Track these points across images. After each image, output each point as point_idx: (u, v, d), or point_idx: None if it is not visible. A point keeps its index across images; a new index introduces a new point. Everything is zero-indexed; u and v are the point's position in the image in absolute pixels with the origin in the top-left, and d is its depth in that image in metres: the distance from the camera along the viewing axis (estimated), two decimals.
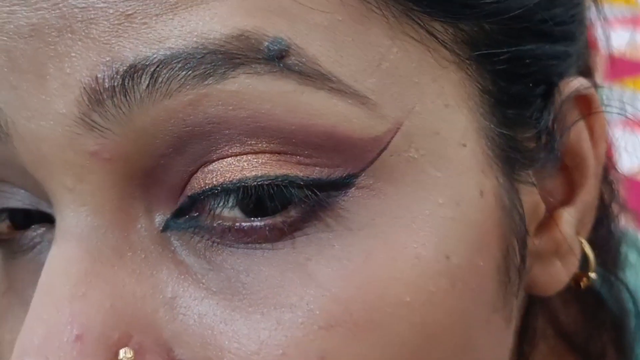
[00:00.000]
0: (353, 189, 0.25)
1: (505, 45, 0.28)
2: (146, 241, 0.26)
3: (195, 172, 0.25)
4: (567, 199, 0.32)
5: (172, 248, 0.26)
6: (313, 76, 0.24)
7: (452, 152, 0.27)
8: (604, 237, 0.38)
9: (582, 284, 0.33)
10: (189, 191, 0.25)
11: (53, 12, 0.24)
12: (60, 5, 0.24)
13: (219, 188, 0.25)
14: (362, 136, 0.25)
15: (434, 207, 0.26)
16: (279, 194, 0.25)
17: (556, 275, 0.31)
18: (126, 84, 0.24)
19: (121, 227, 0.25)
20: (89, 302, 0.24)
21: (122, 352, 0.24)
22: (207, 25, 0.24)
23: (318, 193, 0.25)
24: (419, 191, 0.26)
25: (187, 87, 0.24)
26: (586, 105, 0.32)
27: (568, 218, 0.31)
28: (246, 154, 0.24)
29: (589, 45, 0.36)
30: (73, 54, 0.24)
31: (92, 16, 0.24)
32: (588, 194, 0.32)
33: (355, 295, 0.25)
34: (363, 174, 0.25)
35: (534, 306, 0.35)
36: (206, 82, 0.24)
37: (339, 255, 0.25)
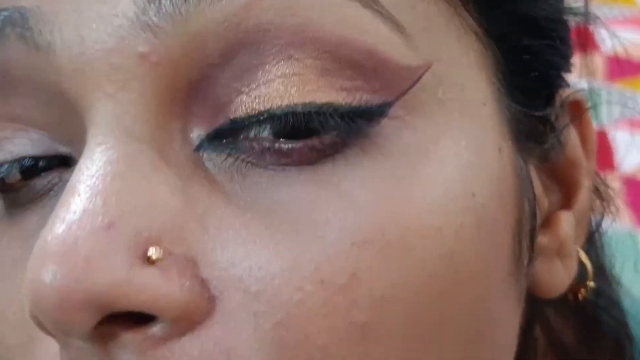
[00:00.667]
0: (386, 118, 0.25)
1: (518, 36, 0.29)
2: (180, 158, 0.25)
3: (241, 93, 0.25)
4: (564, 205, 0.32)
5: (205, 167, 0.25)
6: None
7: (474, 108, 0.27)
8: (595, 251, 0.37)
9: (580, 296, 0.33)
10: (231, 113, 0.25)
11: None
12: None
13: (265, 114, 0.24)
14: (398, 62, 0.25)
15: (459, 148, 0.26)
16: (319, 121, 0.24)
17: (558, 275, 0.31)
18: None
19: (157, 141, 0.25)
20: (123, 198, 0.24)
21: (151, 250, 0.24)
22: None
23: (356, 121, 0.25)
24: (446, 131, 0.26)
25: None
26: (578, 114, 0.32)
27: (568, 221, 0.31)
28: (292, 75, 0.24)
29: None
30: None
31: None
32: (583, 201, 0.31)
33: (389, 216, 0.25)
34: (396, 104, 0.25)
35: (533, 322, 0.34)
36: None
37: (373, 177, 0.25)
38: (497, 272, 0.27)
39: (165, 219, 0.24)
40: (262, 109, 0.24)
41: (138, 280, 0.23)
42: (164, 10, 0.24)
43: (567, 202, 0.31)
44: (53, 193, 0.27)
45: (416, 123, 0.26)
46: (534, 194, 0.29)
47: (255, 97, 0.24)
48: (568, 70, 0.32)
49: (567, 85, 0.32)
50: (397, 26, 0.25)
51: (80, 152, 0.25)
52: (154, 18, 0.24)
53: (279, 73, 0.24)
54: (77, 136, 0.25)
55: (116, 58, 0.24)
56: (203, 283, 0.24)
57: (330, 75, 0.25)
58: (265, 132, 0.25)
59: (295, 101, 0.24)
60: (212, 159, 0.25)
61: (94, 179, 0.24)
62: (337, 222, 0.24)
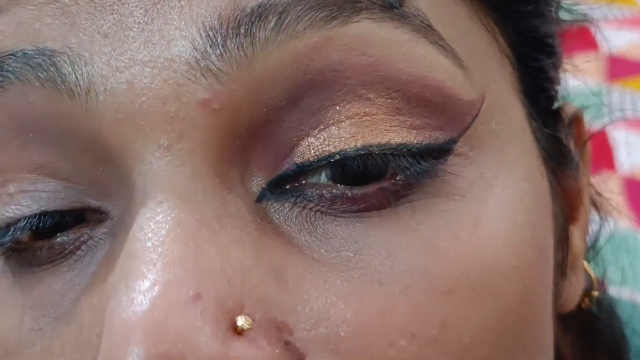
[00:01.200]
0: (452, 156, 0.24)
1: (535, 58, 0.29)
2: (242, 210, 0.23)
3: (308, 135, 0.23)
4: (570, 219, 0.32)
5: (269, 219, 0.24)
6: (425, 29, 0.24)
7: (519, 134, 0.27)
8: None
9: (583, 305, 0.33)
10: (298, 157, 0.23)
11: None
12: None
13: (336, 156, 0.23)
14: (463, 97, 0.25)
15: (516, 179, 0.26)
16: (388, 162, 0.24)
17: (573, 289, 0.31)
18: (253, 22, 0.22)
19: (218, 194, 0.23)
20: (201, 264, 0.22)
21: (240, 320, 0.22)
22: None
23: (424, 161, 0.24)
24: (503, 162, 0.26)
25: (313, 29, 0.22)
26: (578, 132, 0.32)
27: (578, 235, 0.31)
28: (364, 115, 0.23)
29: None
30: (192, 2, 0.22)
31: None
32: (585, 215, 0.32)
33: (471, 259, 0.24)
34: (461, 140, 0.25)
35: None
36: (331, 25, 0.23)
37: (449, 220, 0.24)
38: (549, 299, 0.27)
39: (244, 281, 0.22)
40: (333, 150, 0.23)
41: (233, 354, 0.21)
42: (228, 54, 0.22)
43: (572, 216, 0.31)
44: (81, 253, 0.25)
45: (478, 158, 0.25)
46: (564, 213, 0.29)
47: (325, 139, 0.23)
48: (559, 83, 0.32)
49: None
50: (459, 60, 0.25)
51: (118, 206, 0.23)
52: (216, 63, 0.22)
53: (350, 113, 0.23)
54: (112, 188, 0.24)
55: (173, 106, 0.22)
56: (288, 346, 0.22)
57: (402, 114, 0.24)
58: (329, 178, 0.24)
59: (371, 142, 0.23)
60: (276, 210, 0.24)
61: (165, 245, 0.22)
62: (421, 270, 0.23)
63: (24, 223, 0.24)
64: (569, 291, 0.30)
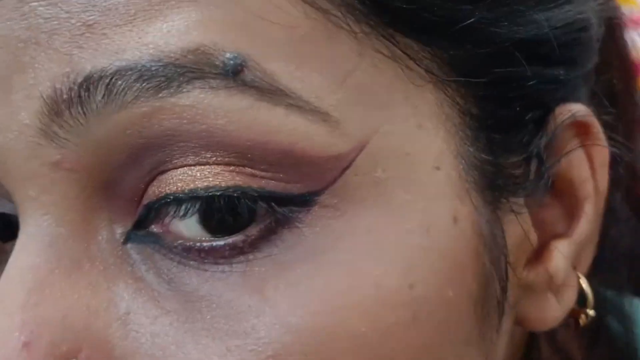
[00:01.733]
0: (316, 207, 0.24)
1: (490, 68, 0.27)
2: (106, 253, 0.25)
3: (152, 181, 0.25)
4: (567, 231, 0.30)
5: (132, 262, 0.25)
6: (270, 92, 0.24)
7: (424, 175, 0.26)
8: (616, 258, 0.36)
9: (580, 321, 0.32)
10: (145, 200, 0.25)
11: (21, 23, 0.24)
12: (28, 16, 0.24)
13: (170, 197, 0.24)
14: (323, 154, 0.24)
15: (401, 233, 0.25)
16: (239, 210, 0.24)
17: (549, 310, 0.30)
18: (82, 95, 0.24)
19: (82, 238, 0.25)
20: (41, 311, 0.24)
21: None
22: (164, 38, 0.23)
23: (276, 208, 0.24)
24: (385, 215, 0.25)
25: (142, 99, 0.23)
26: (585, 133, 0.30)
27: (563, 251, 0.29)
28: (200, 164, 0.24)
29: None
30: (37, 65, 0.24)
31: (56, 27, 0.24)
32: (585, 226, 0.30)
33: (308, 324, 0.24)
34: (326, 193, 0.24)
35: (538, 337, 0.33)
36: (160, 95, 0.23)
37: (297, 281, 0.24)
38: (447, 349, 0.26)
39: (86, 325, 0.25)
40: (167, 191, 0.24)
41: None
42: (66, 123, 0.24)
43: (567, 226, 0.29)
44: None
45: (351, 211, 0.25)
46: (505, 244, 0.27)
47: (162, 181, 0.25)
48: (571, 86, 0.30)
49: (571, 101, 0.30)
50: (320, 115, 0.24)
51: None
52: (59, 131, 0.24)
53: (187, 163, 0.24)
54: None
55: (33, 165, 0.25)
56: None
57: (240, 166, 0.24)
58: (182, 220, 0.25)
59: (198, 185, 0.24)
60: (140, 252, 0.25)
61: (14, 292, 0.24)
62: (254, 333, 0.24)
63: None
64: (541, 312, 0.29)
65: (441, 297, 0.26)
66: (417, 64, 0.26)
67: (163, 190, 0.25)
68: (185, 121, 0.24)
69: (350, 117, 0.25)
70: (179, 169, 0.24)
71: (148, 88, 0.23)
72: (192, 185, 0.24)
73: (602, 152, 0.30)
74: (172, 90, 0.23)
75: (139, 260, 0.25)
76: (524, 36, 0.27)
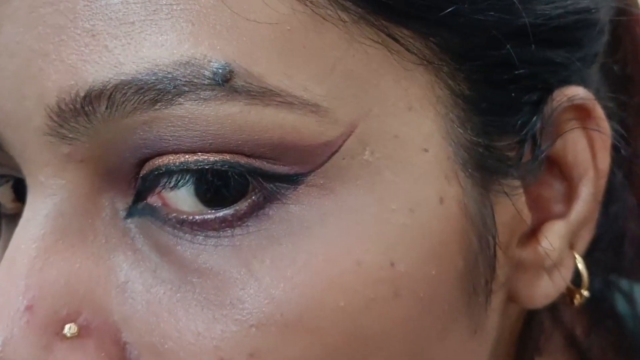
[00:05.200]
0: (303, 185, 0.26)
1: (484, 51, 0.27)
2: (109, 228, 0.27)
3: (148, 160, 0.27)
4: (566, 211, 0.30)
5: (132, 235, 0.27)
6: (260, 94, 0.25)
7: (412, 156, 0.26)
8: (619, 241, 0.36)
9: (575, 301, 0.32)
10: (141, 173, 0.27)
11: (32, 32, 0.26)
12: (37, 24, 0.26)
13: (162, 169, 0.26)
14: (312, 142, 0.25)
15: (385, 212, 0.26)
16: (231, 184, 0.26)
17: (541, 288, 0.30)
18: (85, 107, 0.25)
19: (88, 215, 0.27)
20: (44, 276, 0.26)
21: (66, 327, 0.26)
22: (158, 52, 0.25)
23: (264, 183, 0.25)
24: (370, 194, 0.26)
25: (140, 110, 0.25)
26: (585, 116, 0.30)
27: (559, 231, 0.30)
28: (198, 150, 0.26)
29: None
30: (44, 76, 0.26)
31: (63, 37, 0.26)
32: (583, 207, 0.30)
33: (290, 296, 0.25)
34: (313, 174, 0.26)
35: (540, 315, 0.34)
36: (156, 107, 0.25)
37: (283, 255, 0.26)
38: (430, 326, 0.27)
39: (87, 291, 0.26)
40: (160, 164, 0.26)
41: (52, 358, 0.25)
42: (75, 128, 0.26)
43: (564, 206, 0.30)
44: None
45: (338, 190, 0.26)
46: (494, 224, 0.28)
47: (157, 158, 0.26)
48: (573, 69, 0.30)
49: (572, 84, 0.30)
50: (309, 107, 0.25)
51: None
52: (69, 134, 0.26)
53: (185, 150, 0.26)
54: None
55: (47, 156, 0.26)
56: (125, 347, 0.26)
57: (232, 152, 0.26)
58: (174, 191, 0.26)
59: (188, 159, 0.25)
60: (139, 226, 0.27)
61: (20, 258, 0.26)
62: (239, 303, 0.25)
63: None
64: (533, 289, 0.30)
65: (424, 275, 0.26)
66: (406, 49, 0.26)
67: (156, 163, 0.26)
68: (180, 129, 0.25)
69: (340, 104, 0.25)
70: (172, 154, 0.26)
71: (145, 101, 0.25)
72: (182, 159, 0.26)
73: (604, 136, 0.30)
74: (165, 103, 0.25)
75: (138, 233, 0.27)
76: (517, 22, 0.27)
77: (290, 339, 0.25)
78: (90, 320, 0.26)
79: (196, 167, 0.25)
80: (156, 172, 0.26)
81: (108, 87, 0.25)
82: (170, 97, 0.25)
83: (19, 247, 0.26)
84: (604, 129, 0.30)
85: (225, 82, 0.25)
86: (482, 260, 0.28)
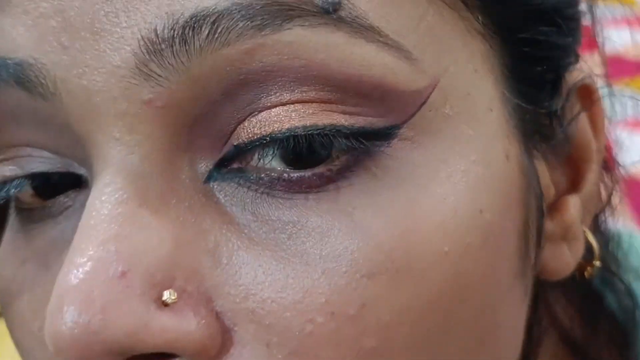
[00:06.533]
0: (396, 139, 0.26)
1: (525, 28, 0.29)
2: (190, 190, 0.26)
3: (243, 120, 0.26)
4: (572, 188, 0.32)
5: (215, 199, 0.26)
6: (363, 29, 0.25)
7: (482, 115, 0.28)
8: (604, 235, 0.38)
9: (586, 274, 0.33)
10: (234, 140, 0.26)
11: None
12: None
13: (267, 138, 0.25)
14: (406, 89, 0.26)
15: (468, 163, 0.27)
16: (325, 144, 0.25)
17: (564, 258, 0.32)
18: (186, 33, 0.24)
19: (166, 176, 0.26)
20: (135, 241, 0.25)
21: (166, 293, 0.25)
22: None
23: (363, 141, 0.25)
24: (454, 146, 0.27)
25: (245, 36, 0.24)
26: (587, 96, 0.32)
27: (576, 204, 0.32)
28: (294, 102, 0.25)
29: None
30: (130, 9, 0.25)
31: None
32: (591, 183, 0.32)
33: (398, 243, 0.25)
34: (404, 126, 0.26)
35: (537, 302, 0.35)
36: (263, 33, 0.24)
37: (384, 204, 0.26)
38: (503, 280, 0.28)
39: (177, 257, 0.25)
40: (263, 133, 0.25)
41: (154, 324, 0.24)
42: (165, 62, 0.25)
43: (575, 183, 0.31)
44: (68, 213, 0.28)
45: (426, 143, 0.26)
46: (540, 188, 0.30)
47: (256, 123, 0.25)
48: (574, 58, 0.33)
49: (574, 67, 0.32)
50: (404, 52, 0.26)
51: (92, 173, 0.26)
52: (156, 69, 0.25)
53: (281, 101, 0.25)
54: (89, 160, 0.27)
55: (122, 105, 0.25)
56: (218, 316, 0.25)
57: (334, 102, 0.25)
58: (273, 158, 0.26)
59: (296, 124, 0.25)
60: (223, 189, 0.26)
61: (105, 223, 0.25)
62: (347, 254, 0.25)
63: (18, 182, 0.28)
64: (557, 260, 0.31)
65: (502, 226, 0.28)
66: (471, 14, 0.28)
67: (258, 132, 0.25)
68: (285, 57, 0.25)
69: (426, 57, 0.27)
70: (274, 109, 0.25)
71: (252, 26, 0.24)
72: (288, 125, 0.25)
73: (601, 113, 0.33)
74: (274, 28, 0.24)
75: (223, 196, 0.26)
76: (552, 2, 0.30)
77: (399, 286, 0.25)
78: (184, 286, 0.25)
79: (304, 132, 0.25)
80: (257, 142, 0.25)
81: (213, 12, 0.24)
82: (279, 22, 0.24)
83: (102, 211, 0.25)
84: (602, 109, 0.33)
85: (334, 12, 0.25)
86: (533, 221, 0.30)
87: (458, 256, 0.26)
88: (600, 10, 0.40)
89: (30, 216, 0.29)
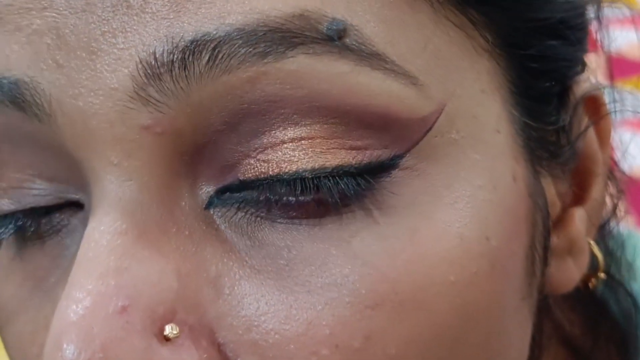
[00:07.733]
0: (397, 170, 0.25)
1: (532, 42, 0.29)
2: (190, 218, 0.25)
3: (248, 154, 0.25)
4: (577, 200, 0.31)
5: (216, 226, 0.25)
6: (369, 56, 0.24)
7: (488, 137, 0.27)
8: (607, 242, 0.38)
9: (590, 285, 0.33)
10: (241, 175, 0.25)
11: None
12: None
13: (274, 179, 0.24)
14: (411, 116, 0.25)
15: (474, 188, 0.26)
16: (332, 187, 0.25)
17: (569, 273, 0.31)
18: (186, 58, 0.23)
19: (165, 204, 0.25)
20: (135, 274, 0.24)
21: (168, 328, 0.24)
22: (268, 3, 0.23)
23: (370, 180, 0.25)
24: (460, 172, 0.26)
25: (247, 64, 0.23)
26: (594, 107, 0.32)
27: (581, 216, 0.31)
28: (300, 139, 0.24)
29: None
30: (128, 29, 0.24)
31: None
32: (597, 195, 0.32)
33: (402, 273, 0.25)
34: (408, 155, 0.25)
35: (541, 313, 0.35)
36: (265, 60, 0.23)
37: (384, 233, 0.25)
38: (509, 303, 0.27)
39: (178, 288, 0.24)
40: (271, 173, 0.24)
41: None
42: (164, 87, 0.24)
43: (581, 195, 0.31)
44: (63, 234, 0.27)
45: (429, 170, 0.26)
46: (547, 207, 0.29)
47: (263, 162, 0.25)
48: (581, 67, 0.32)
49: (581, 77, 0.32)
50: (410, 78, 0.25)
51: (89, 199, 0.25)
52: (154, 95, 0.24)
53: (286, 138, 0.24)
54: (86, 187, 0.26)
55: (119, 129, 0.24)
56: (220, 348, 0.24)
57: (340, 137, 0.25)
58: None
59: (304, 166, 0.24)
60: (223, 215, 0.25)
61: (104, 255, 0.24)
62: (349, 283, 0.24)
63: (20, 217, 0.27)
64: (562, 274, 0.31)
65: (509, 250, 0.27)
66: (478, 33, 0.27)
67: (265, 172, 0.24)
68: (288, 86, 0.24)
69: (432, 81, 0.26)
70: (281, 148, 0.24)
71: (254, 53, 0.23)
72: (295, 167, 0.24)
73: (608, 124, 0.32)
74: (277, 56, 0.23)
75: (223, 222, 0.25)
76: (560, 15, 0.29)
77: (404, 317, 0.25)
78: (186, 319, 0.24)
79: (312, 175, 0.24)
80: (265, 182, 0.24)
81: (214, 38, 0.23)
82: (282, 49, 0.23)
83: (100, 243, 0.24)
84: (609, 120, 0.32)
85: (338, 40, 0.24)
86: (539, 240, 0.29)
87: (464, 285, 0.25)
88: (604, 10, 0.39)
89: (24, 236, 0.28)
